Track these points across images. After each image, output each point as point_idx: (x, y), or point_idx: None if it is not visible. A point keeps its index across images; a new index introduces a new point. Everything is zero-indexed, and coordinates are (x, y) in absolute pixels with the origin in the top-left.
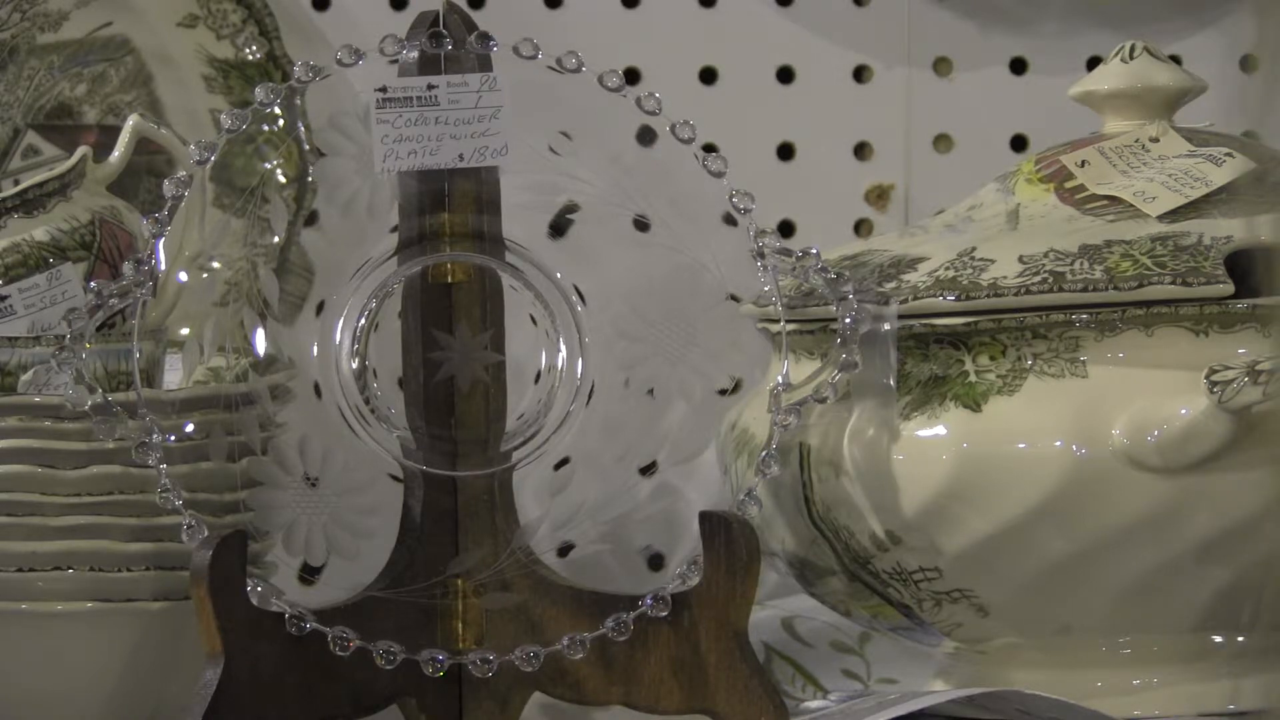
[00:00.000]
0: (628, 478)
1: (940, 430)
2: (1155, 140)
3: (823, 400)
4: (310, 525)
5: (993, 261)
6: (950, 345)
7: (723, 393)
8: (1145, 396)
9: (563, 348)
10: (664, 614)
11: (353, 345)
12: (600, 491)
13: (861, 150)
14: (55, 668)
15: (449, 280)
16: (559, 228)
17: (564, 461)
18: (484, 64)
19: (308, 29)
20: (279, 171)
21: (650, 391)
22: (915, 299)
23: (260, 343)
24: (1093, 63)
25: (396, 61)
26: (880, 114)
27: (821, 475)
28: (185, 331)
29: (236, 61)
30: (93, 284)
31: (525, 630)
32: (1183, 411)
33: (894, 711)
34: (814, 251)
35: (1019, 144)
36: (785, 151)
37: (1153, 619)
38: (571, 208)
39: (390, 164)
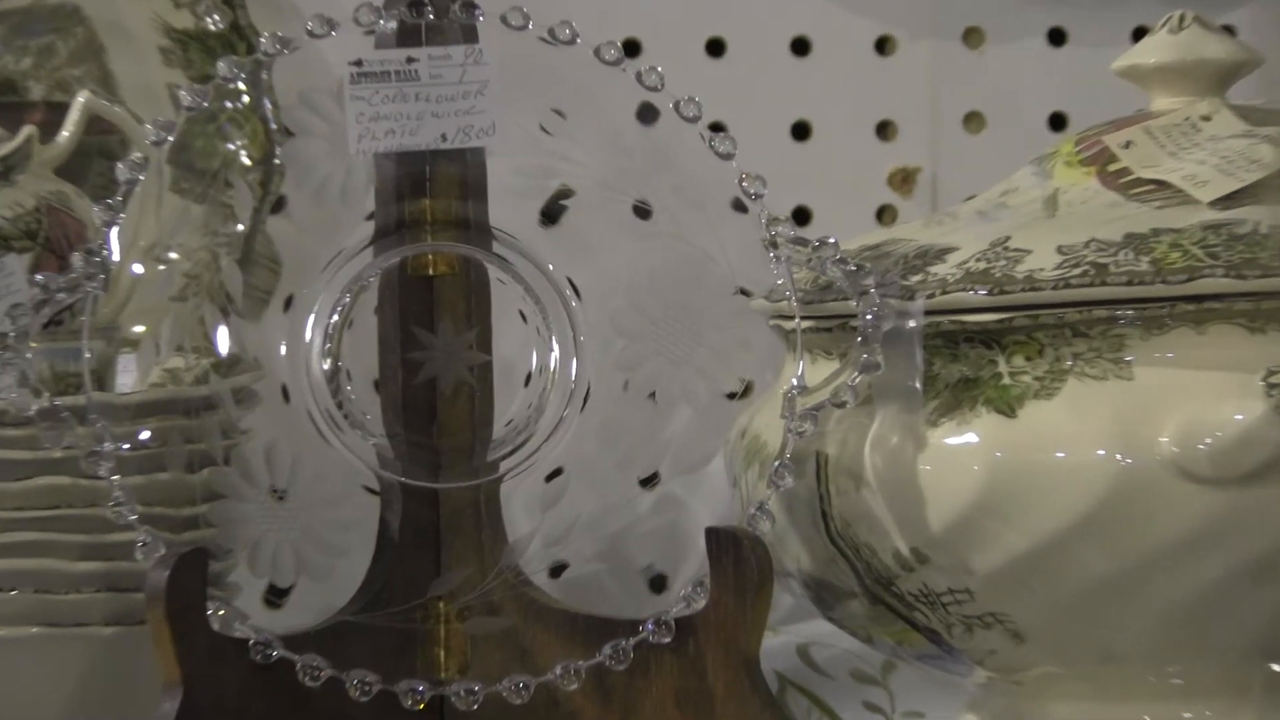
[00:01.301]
0: (627, 490)
1: (971, 437)
2: (1206, 119)
3: (842, 405)
4: (278, 542)
5: (1028, 252)
6: (982, 344)
7: (731, 396)
8: (1196, 400)
9: (555, 347)
10: (667, 640)
11: (324, 344)
12: (597, 505)
13: (884, 130)
14: None
15: (430, 273)
16: (551, 215)
17: (557, 472)
18: (469, 35)
19: None
20: (243, 153)
21: (651, 395)
22: (943, 293)
23: (222, 341)
24: (1138, 34)
25: (373, 33)
26: (905, 90)
27: (840, 487)
28: (140, 329)
29: (197, 32)
30: (39, 277)
31: (514, 658)
32: (1237, 417)
33: None
34: (832, 241)
35: (1057, 123)
36: (801, 131)
37: (1205, 645)
38: (565, 193)
39: (366, 145)
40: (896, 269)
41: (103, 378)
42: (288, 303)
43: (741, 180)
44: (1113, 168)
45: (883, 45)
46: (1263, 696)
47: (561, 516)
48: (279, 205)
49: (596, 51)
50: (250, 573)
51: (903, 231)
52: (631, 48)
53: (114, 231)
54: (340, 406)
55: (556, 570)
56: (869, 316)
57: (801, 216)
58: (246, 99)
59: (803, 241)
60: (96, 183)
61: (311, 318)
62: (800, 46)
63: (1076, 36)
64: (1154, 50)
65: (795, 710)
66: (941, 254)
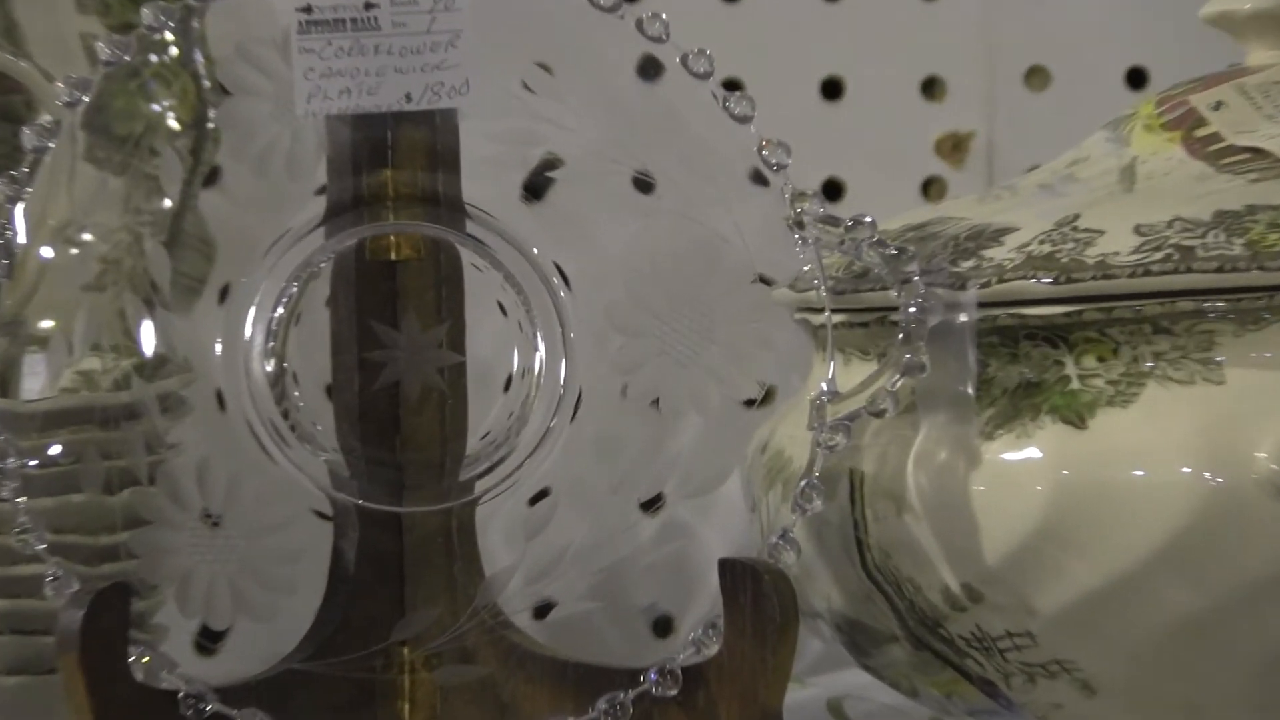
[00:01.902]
0: (626, 515)
1: (1033, 453)
2: None
3: (880, 414)
4: (212, 576)
5: (1101, 233)
6: (1046, 342)
7: (749, 404)
8: None
9: (541, 346)
10: (673, 693)
11: (267, 342)
12: (590, 533)
13: (931, 88)
14: None
15: (393, 257)
16: (536, 189)
17: (543, 494)
18: None
19: None
20: (171, 116)
21: (655, 402)
22: (1000, 281)
23: (147, 338)
24: None
25: None
26: (955, 40)
27: (878, 512)
28: (49, 324)
29: None
30: None
31: (492, 713)
32: None
33: None
34: (869, 220)
35: (1136, 79)
36: (832, 89)
37: None
38: (552, 163)
39: (316, 105)
40: (945, 253)
41: (5, 381)
42: (223, 293)
43: (761, 148)
44: (1201, 133)
45: None
46: None
47: (548, 546)
48: (213, 177)
49: None
50: (180, 612)
51: (953, 208)
52: None
53: (18, 209)
54: (286, 416)
55: (542, 610)
56: (912, 309)
57: (833, 190)
58: (175, 52)
59: (834, 220)
60: None
61: (252, 311)
62: None
63: None
64: None
65: None
66: (998, 235)
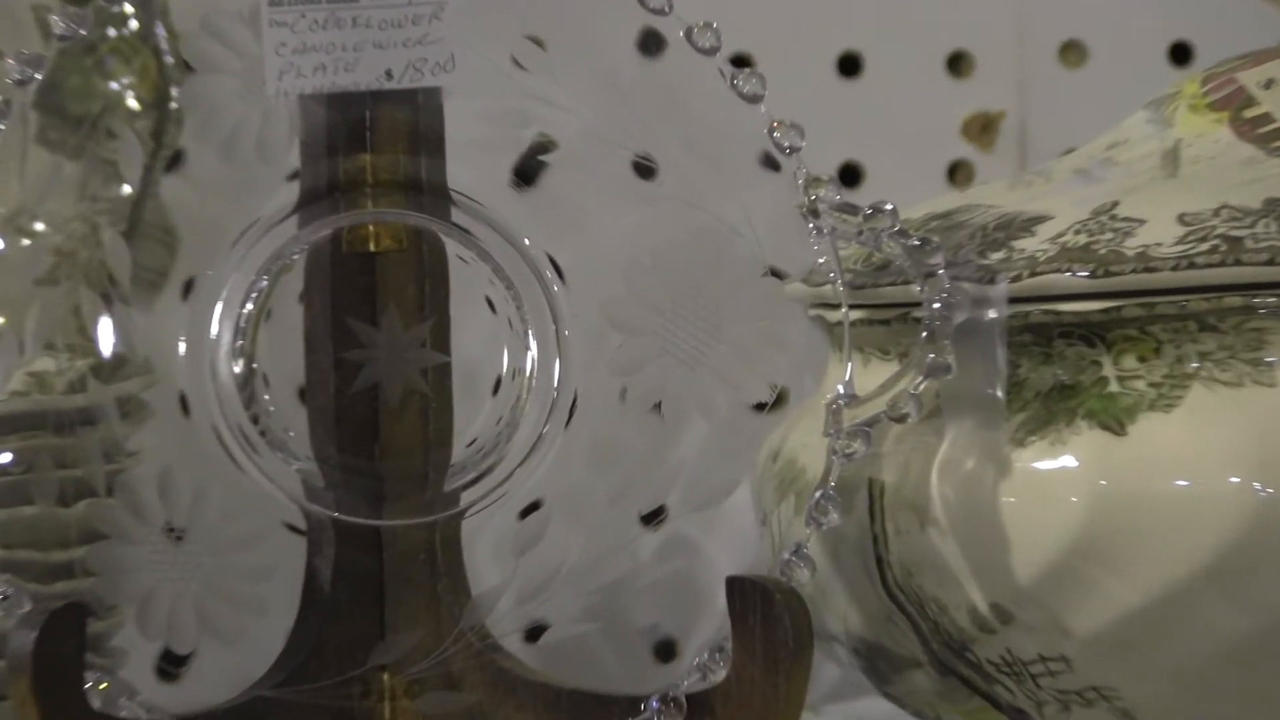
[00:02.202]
0: (625, 529)
1: (1068, 461)
2: None
3: (902, 418)
4: (175, 596)
5: (1142, 222)
6: (1082, 341)
7: (759, 408)
8: None
9: (533, 345)
10: None
11: (235, 341)
12: (586, 549)
13: (957, 63)
14: None
15: (372, 248)
16: (527, 174)
17: (534, 506)
18: None
19: None
20: (131, 95)
21: (656, 406)
22: (1033, 275)
23: (104, 337)
24: None
25: None
26: (984, 11)
27: (900, 525)
28: None
29: None
30: None
31: None
32: None
33: None
34: (889, 208)
35: (1180, 55)
36: (849, 65)
37: None
38: (545, 145)
39: (288, 84)
40: (973, 244)
41: None
42: (187, 287)
43: (772, 129)
44: (1250, 113)
45: None
46: None
47: (540, 563)
48: (176, 161)
49: None
50: (140, 635)
51: (981, 195)
52: None
53: None
54: (256, 421)
55: (534, 632)
56: (937, 305)
57: (851, 176)
58: (135, 25)
59: (852, 209)
60: None
61: (218, 307)
62: None
63: None
64: None
65: None
66: (1030, 224)
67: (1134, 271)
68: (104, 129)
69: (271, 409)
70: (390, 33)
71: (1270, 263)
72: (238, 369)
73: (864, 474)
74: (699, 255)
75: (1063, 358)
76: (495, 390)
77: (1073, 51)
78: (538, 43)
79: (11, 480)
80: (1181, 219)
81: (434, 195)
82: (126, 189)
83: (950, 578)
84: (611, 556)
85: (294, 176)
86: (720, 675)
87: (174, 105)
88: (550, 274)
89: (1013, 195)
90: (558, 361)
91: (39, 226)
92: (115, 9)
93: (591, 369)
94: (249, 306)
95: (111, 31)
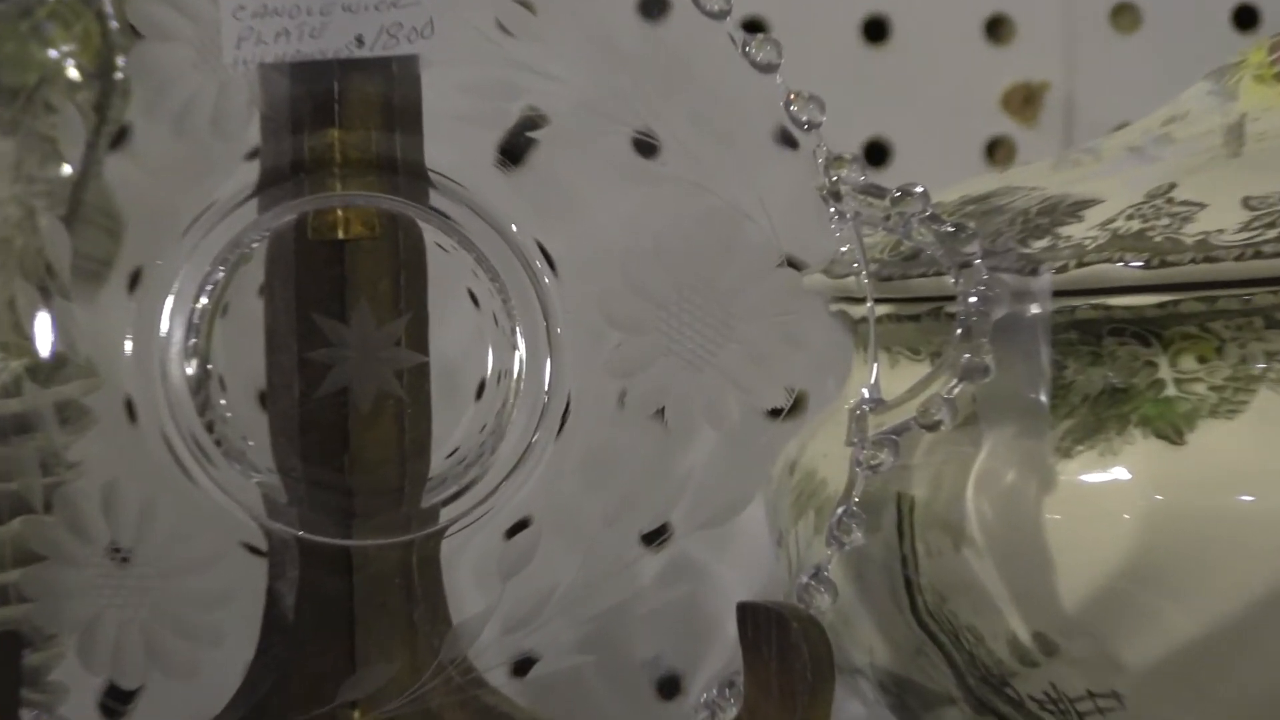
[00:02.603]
0: (624, 550)
1: (1120, 474)
2: None
3: (934, 426)
4: (120, 624)
5: (1202, 206)
6: (1136, 339)
7: (774, 414)
8: None
9: (521, 343)
10: None
11: (188, 339)
12: (581, 571)
13: (997, 28)
14: None
15: (340, 236)
16: (515, 152)
17: (522, 524)
18: None
19: None
20: (71, 64)
21: (659, 413)
22: (1080, 265)
23: (41, 334)
24: None
25: None
26: None
27: (932, 546)
28: None
29: None
30: None
31: None
32: None
33: None
34: (920, 191)
35: (1245, 19)
36: (875, 30)
37: None
38: (535, 120)
39: (248, 52)
40: (1013, 230)
41: None
42: (134, 279)
43: (789, 102)
44: None
45: None
46: None
47: (530, 588)
48: (121, 138)
49: None
50: (82, 667)
51: (1023, 176)
52: None
53: None
54: (211, 429)
55: (523, 665)
56: (973, 299)
57: (877, 154)
58: None
59: (878, 191)
60: None
61: (169, 301)
62: None
63: None
64: None
65: None
66: (1078, 209)
67: (1193, 261)
68: (42, 102)
69: (228, 415)
70: None
71: None
72: (191, 370)
73: (891, 488)
74: (707, 243)
75: (1114, 358)
76: (479, 394)
77: (1125, 15)
78: (526, 5)
79: None
80: (1246, 203)
81: (410, 176)
82: (67, 169)
83: (988, 604)
84: (609, 580)
85: (253, 155)
86: (731, 713)
87: (119, 75)
88: (540, 264)
89: (1058, 176)
90: (548, 362)
91: None
92: None
93: (586, 370)
94: (203, 301)
95: None
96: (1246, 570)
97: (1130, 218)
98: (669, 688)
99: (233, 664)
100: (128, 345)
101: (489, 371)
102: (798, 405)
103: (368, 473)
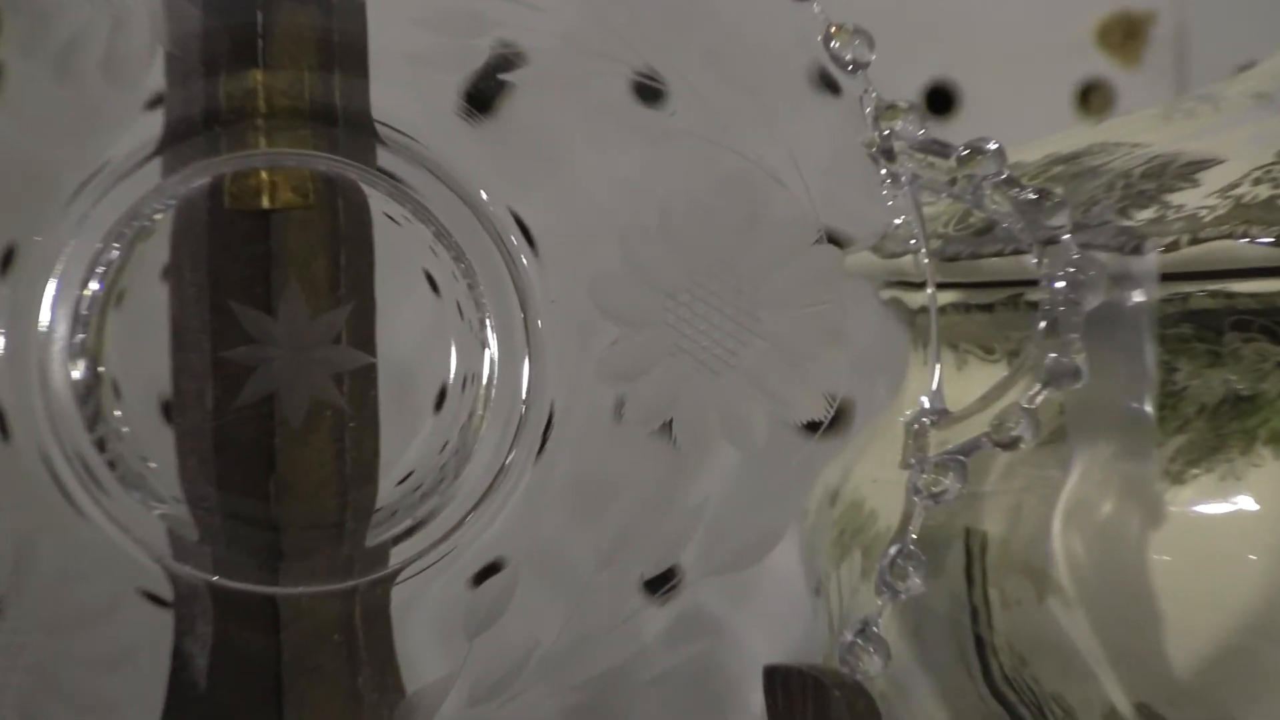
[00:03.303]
0: (622, 600)
1: (1246, 503)
2: None
3: (1011, 444)
4: None
5: None
6: (1265, 335)
7: (811, 429)
8: None
9: (492, 340)
10: None
11: (73, 335)
12: (567, 627)
13: None
14: None
15: (265, 205)
16: (484, 99)
17: (493, 568)
18: None
19: None
20: None
21: (666, 427)
22: (1195, 242)
23: None
24: None
25: None
26: None
27: (1010, 595)
28: None
29: None
30: None
31: None
32: None
33: None
34: (993, 148)
35: None
36: None
37: None
38: (509, 59)
39: None
40: (1111, 198)
41: None
42: (6, 259)
43: (829, 37)
44: None
45: None
46: None
47: (503, 647)
48: None
49: None
50: None
51: (1123, 129)
52: None
53: None
54: (103, 448)
55: None
56: (1060, 284)
57: (940, 101)
58: None
59: (941, 148)
60: None
61: (51, 287)
62: None
63: None
64: None
65: None
66: (1192, 171)
67: None
68: None
69: (124, 430)
70: None
71: None
72: (78, 374)
73: (958, 522)
74: (726, 214)
75: (1237, 358)
76: (439, 404)
77: None
78: None
79: None
80: None
81: (353, 129)
82: None
83: (1080, 668)
84: (603, 638)
85: (156, 104)
86: None
87: None
88: (516, 240)
89: (1168, 129)
90: (526, 363)
91: None
92: None
93: (574, 374)
94: (94, 286)
95: None
96: None
97: (1258, 182)
98: None
99: None
100: None
101: (452, 375)
102: (840, 418)
103: (299, 503)
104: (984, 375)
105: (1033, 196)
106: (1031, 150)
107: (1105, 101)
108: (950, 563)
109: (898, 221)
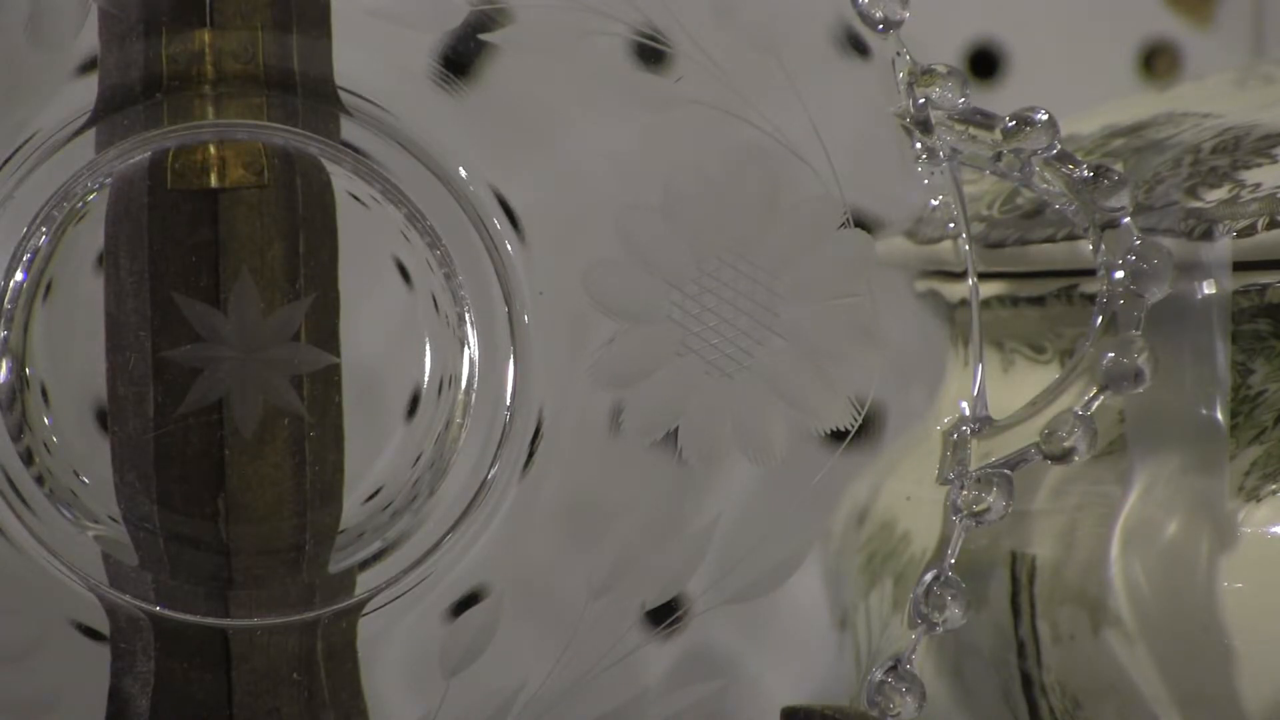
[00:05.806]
0: (621, 634)
1: None
2: None
3: (1064, 456)
4: None
5: None
6: None
7: (836, 439)
8: None
9: (472, 338)
10: None
11: None
12: (559, 664)
13: None
14: None
15: (213, 184)
16: (460, 62)
17: (474, 598)
18: None
19: None
20: None
21: (671, 437)
22: (1272, 226)
23: None
24: None
25: None
26: None
27: (1062, 628)
28: None
29: None
30: None
31: None
32: None
33: None
34: (1043, 118)
35: None
36: None
37: None
38: (490, 17)
39: None
40: (1177, 177)
41: None
42: None
43: None
44: None
45: None
46: None
47: (485, 688)
48: None
49: None
50: None
51: (1193, 98)
52: None
53: None
54: (29, 461)
55: None
56: (1120, 274)
57: (984, 64)
58: None
59: (985, 119)
60: None
61: None
62: None
63: None
64: None
65: None
66: (1269, 145)
67: None
68: None
69: (54, 440)
70: None
71: None
72: (0, 377)
73: (1004, 546)
74: (740, 193)
75: None
76: (411, 412)
77: None
78: None
79: None
80: None
81: (313, 98)
82: None
83: (1140, 708)
84: (599, 679)
85: (88, 68)
86: None
87: None
88: (499, 223)
89: (1243, 98)
90: (511, 364)
91: None
92: None
93: (566, 377)
94: (18, 276)
95: None
96: None
97: None
98: None
99: None
100: None
101: (426, 378)
102: (869, 426)
103: (252, 524)
104: (1033, 378)
105: (1089, 174)
106: (1088, 121)
107: (1172, 65)
108: (994, 592)
109: (935, 202)
